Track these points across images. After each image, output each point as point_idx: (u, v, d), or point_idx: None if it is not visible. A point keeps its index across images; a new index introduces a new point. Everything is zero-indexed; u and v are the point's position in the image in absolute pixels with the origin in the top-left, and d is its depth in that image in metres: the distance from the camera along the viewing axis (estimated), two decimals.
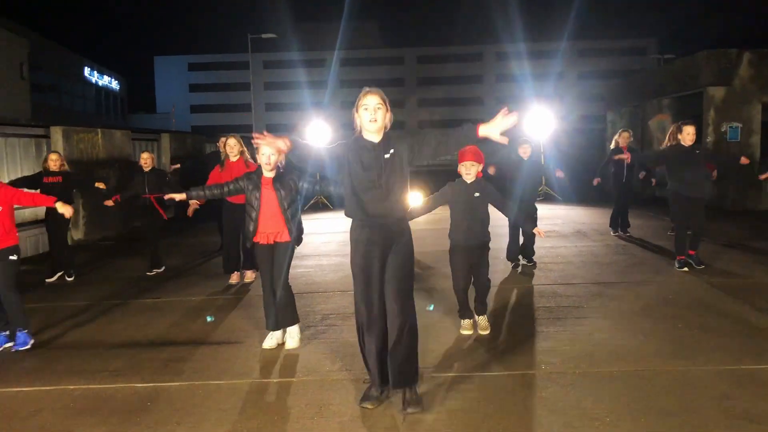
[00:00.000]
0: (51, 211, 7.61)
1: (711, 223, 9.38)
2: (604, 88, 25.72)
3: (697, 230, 7.31)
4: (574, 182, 17.25)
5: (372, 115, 3.56)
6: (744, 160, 7.64)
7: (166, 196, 5.51)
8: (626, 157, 9.61)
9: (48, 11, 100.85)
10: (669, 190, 7.42)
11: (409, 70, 70.55)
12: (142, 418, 3.73)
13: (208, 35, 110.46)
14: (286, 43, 63.62)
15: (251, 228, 4.87)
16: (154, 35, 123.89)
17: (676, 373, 4.16)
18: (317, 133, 15.99)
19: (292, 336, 4.92)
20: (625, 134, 9.92)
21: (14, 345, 5.08)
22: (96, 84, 50.05)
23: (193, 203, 6.84)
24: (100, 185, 8.03)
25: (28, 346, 5.09)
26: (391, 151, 3.61)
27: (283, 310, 4.89)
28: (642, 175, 10.07)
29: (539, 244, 9.30)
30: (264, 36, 29.05)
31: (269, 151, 4.77)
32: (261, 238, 4.87)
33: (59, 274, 7.84)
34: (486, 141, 3.54)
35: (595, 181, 10.02)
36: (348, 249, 3.82)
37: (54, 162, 7.65)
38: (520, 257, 7.72)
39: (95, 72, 49.75)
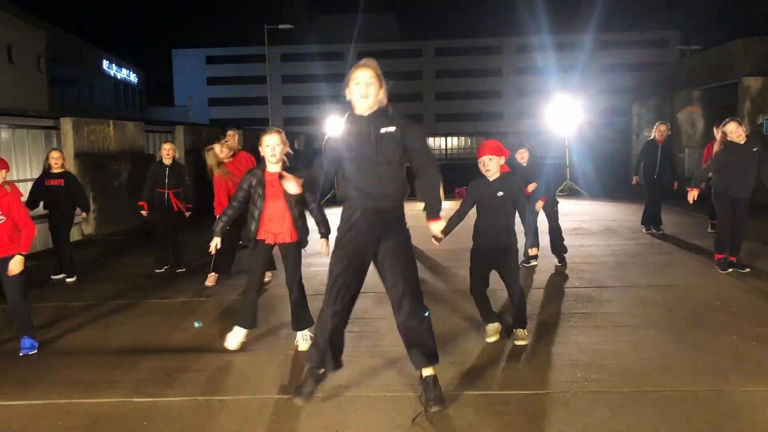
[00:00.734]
0: (54, 208, 7.28)
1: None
2: (631, 80, 24.98)
3: (737, 234, 6.74)
4: (600, 176, 16.78)
5: (364, 90, 3.23)
6: None
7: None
8: (634, 181, 9.63)
9: (67, 4, 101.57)
10: (715, 188, 6.87)
11: (427, 63, 69.84)
12: None
13: (226, 28, 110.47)
14: (303, 35, 63.42)
15: (252, 227, 4.48)
16: (172, 28, 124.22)
17: (739, 393, 3.66)
18: (336, 126, 15.61)
19: (305, 338, 4.58)
20: (662, 127, 9.34)
21: (21, 349, 4.73)
22: (114, 77, 50.13)
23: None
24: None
25: (35, 351, 4.76)
26: (392, 128, 3.26)
27: (298, 312, 4.58)
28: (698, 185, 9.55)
29: (567, 243, 8.83)
30: (281, 26, 28.67)
31: (274, 142, 4.36)
32: (265, 236, 4.47)
33: (62, 275, 7.46)
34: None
35: (634, 180, 9.49)
36: None
37: (56, 160, 7.27)
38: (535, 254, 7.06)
39: (114, 65, 49.83)
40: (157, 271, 7.55)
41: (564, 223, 11.04)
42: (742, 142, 6.43)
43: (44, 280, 7.31)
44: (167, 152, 7.46)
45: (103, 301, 6.30)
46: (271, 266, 6.51)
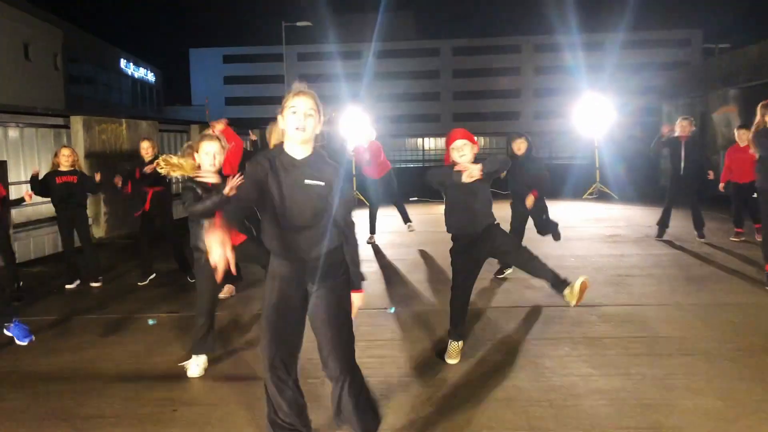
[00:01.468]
0: (63, 208, 6.82)
1: None
2: (661, 79, 24.19)
3: None
4: (631, 178, 16.05)
5: (301, 122, 2.75)
6: None
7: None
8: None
9: (85, 3, 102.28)
10: (761, 187, 6.18)
11: (445, 62, 69.14)
12: None
13: (243, 27, 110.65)
14: (320, 34, 62.94)
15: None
16: (190, 27, 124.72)
17: None
18: (354, 127, 15.03)
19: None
20: (684, 122, 8.58)
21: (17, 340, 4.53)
22: (132, 76, 50.09)
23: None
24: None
25: (32, 337, 4.57)
26: (321, 183, 2.78)
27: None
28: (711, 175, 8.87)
29: (606, 252, 8.23)
30: (299, 24, 28.21)
31: (214, 149, 4.05)
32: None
33: (77, 282, 7.03)
34: None
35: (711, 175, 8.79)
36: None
37: (66, 158, 6.79)
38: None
39: (131, 64, 49.79)
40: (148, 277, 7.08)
41: (598, 229, 10.48)
42: None
43: (49, 289, 6.85)
44: (146, 151, 7.09)
45: (106, 314, 5.81)
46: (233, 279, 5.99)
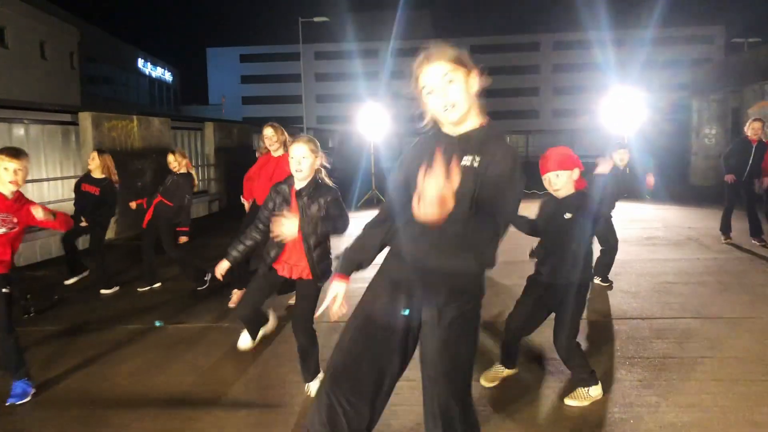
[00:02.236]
0: (77, 216, 6.43)
1: None
2: (688, 75, 23.39)
3: None
4: (664, 177, 15.35)
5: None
6: None
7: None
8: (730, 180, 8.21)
9: (102, 3, 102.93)
10: None
11: None
12: None
13: (260, 27, 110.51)
14: (337, 33, 62.60)
15: (273, 253, 3.57)
16: (207, 27, 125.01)
17: None
18: (371, 124, 14.56)
19: (311, 390, 3.66)
20: (756, 124, 8.14)
21: (10, 397, 3.74)
22: (149, 75, 50.14)
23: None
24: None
25: (28, 398, 3.78)
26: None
27: (303, 362, 3.66)
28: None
29: (647, 257, 7.66)
30: (316, 19, 27.76)
31: (301, 153, 3.42)
32: (281, 269, 3.58)
33: (80, 276, 6.89)
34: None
35: (729, 179, 8.25)
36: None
37: (91, 160, 6.59)
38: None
39: (149, 63, 49.83)
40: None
41: (634, 231, 9.85)
42: None
43: (53, 294, 6.41)
44: (170, 164, 6.58)
45: (112, 326, 5.33)
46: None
